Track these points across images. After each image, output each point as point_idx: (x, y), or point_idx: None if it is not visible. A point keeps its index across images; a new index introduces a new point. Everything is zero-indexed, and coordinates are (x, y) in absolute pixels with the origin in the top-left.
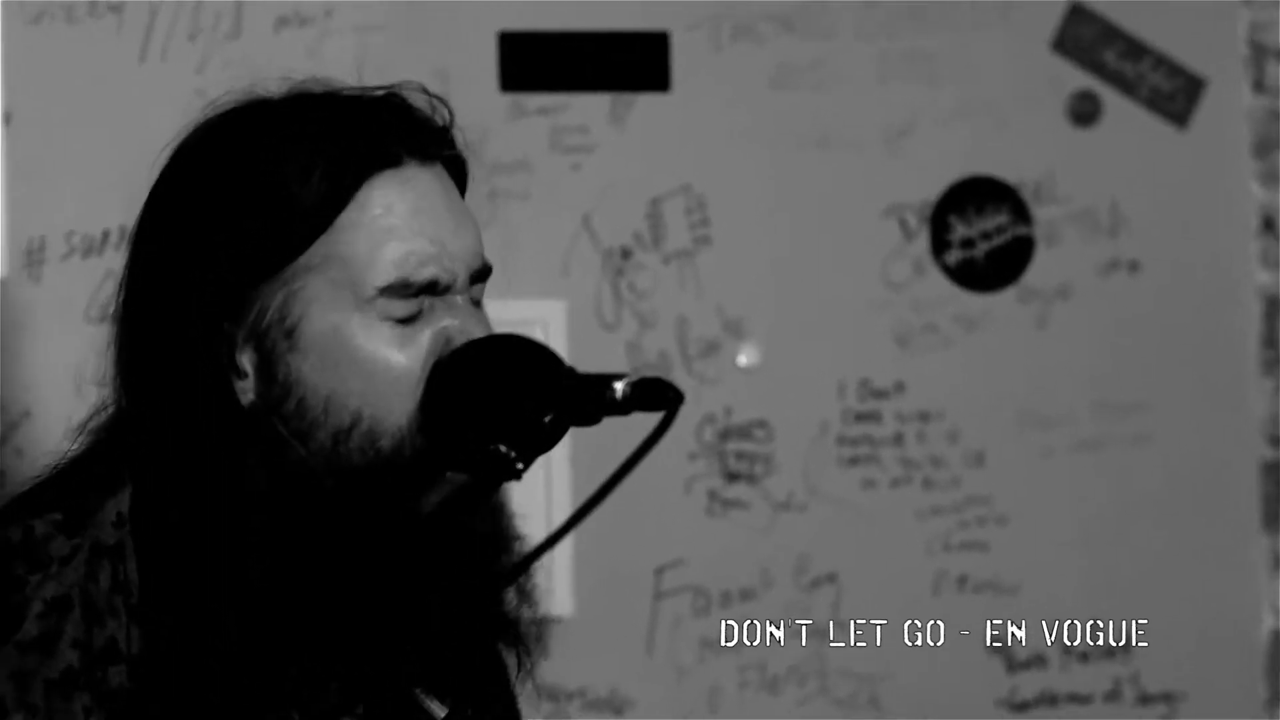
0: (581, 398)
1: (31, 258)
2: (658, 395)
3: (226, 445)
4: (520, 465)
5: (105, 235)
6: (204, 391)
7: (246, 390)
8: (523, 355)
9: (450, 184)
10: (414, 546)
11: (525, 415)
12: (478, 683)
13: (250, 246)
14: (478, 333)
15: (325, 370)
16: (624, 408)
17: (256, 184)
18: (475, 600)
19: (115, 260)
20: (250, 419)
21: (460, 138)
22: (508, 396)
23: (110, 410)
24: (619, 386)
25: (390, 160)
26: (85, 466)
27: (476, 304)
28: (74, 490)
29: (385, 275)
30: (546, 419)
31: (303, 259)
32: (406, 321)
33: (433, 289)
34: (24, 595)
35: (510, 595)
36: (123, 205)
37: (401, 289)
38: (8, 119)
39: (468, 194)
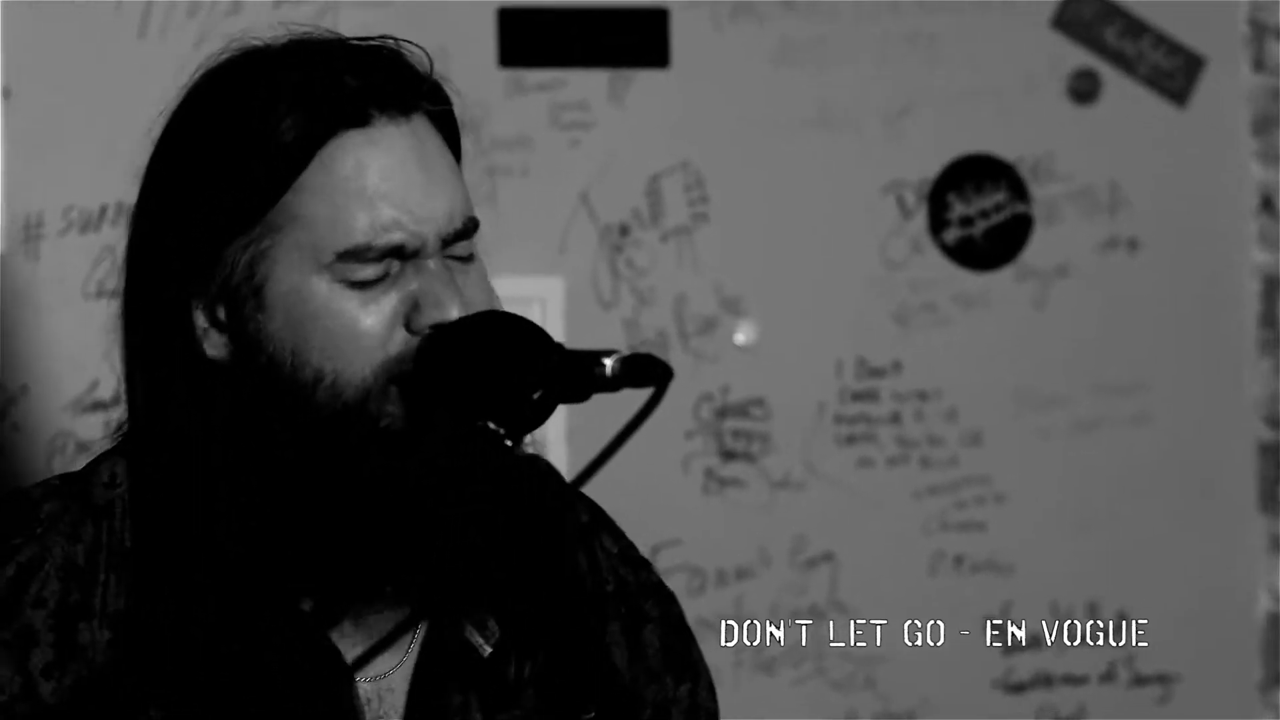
0: (570, 375)
1: (30, 233)
2: (647, 371)
3: (194, 399)
4: (509, 442)
5: (103, 211)
6: (173, 346)
7: (219, 346)
8: (511, 332)
9: (430, 140)
10: (398, 491)
11: (514, 392)
12: (530, 619)
13: (218, 203)
14: (446, 296)
15: (290, 328)
16: (613, 384)
17: (227, 140)
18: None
19: (113, 236)
20: (220, 373)
21: (450, 91)
22: (496, 374)
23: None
24: (608, 363)
25: (359, 118)
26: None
27: (465, 260)
28: (84, 465)
29: (345, 240)
30: (535, 396)
31: (269, 217)
32: (370, 285)
33: (398, 254)
34: (4, 560)
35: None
36: (121, 181)
37: (361, 254)
38: (7, 94)
39: (466, 164)
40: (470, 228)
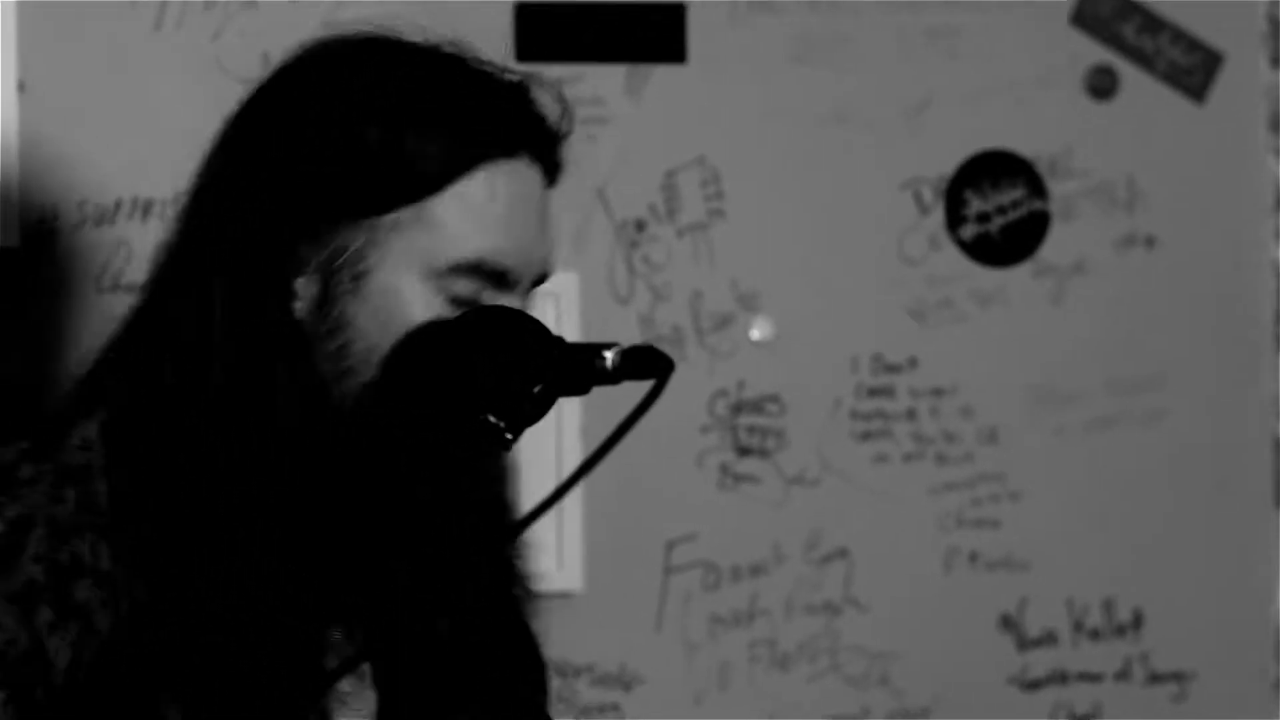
0: (571, 368)
1: (44, 227)
2: (648, 363)
3: (271, 349)
4: (510, 436)
5: (118, 205)
6: (263, 297)
7: (305, 306)
8: (512, 326)
9: (545, 186)
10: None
11: (514, 386)
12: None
13: (351, 185)
14: None
15: (376, 323)
16: (614, 377)
17: (376, 124)
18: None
19: (128, 229)
20: (297, 334)
21: (569, 151)
22: (497, 367)
23: (95, 355)
24: (608, 356)
25: (509, 149)
26: (61, 406)
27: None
28: (45, 423)
29: (464, 253)
30: (536, 390)
31: (399, 211)
32: (462, 303)
33: (500, 280)
34: None
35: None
36: (137, 175)
37: (473, 270)
38: (21, 88)
39: None
40: (547, 278)
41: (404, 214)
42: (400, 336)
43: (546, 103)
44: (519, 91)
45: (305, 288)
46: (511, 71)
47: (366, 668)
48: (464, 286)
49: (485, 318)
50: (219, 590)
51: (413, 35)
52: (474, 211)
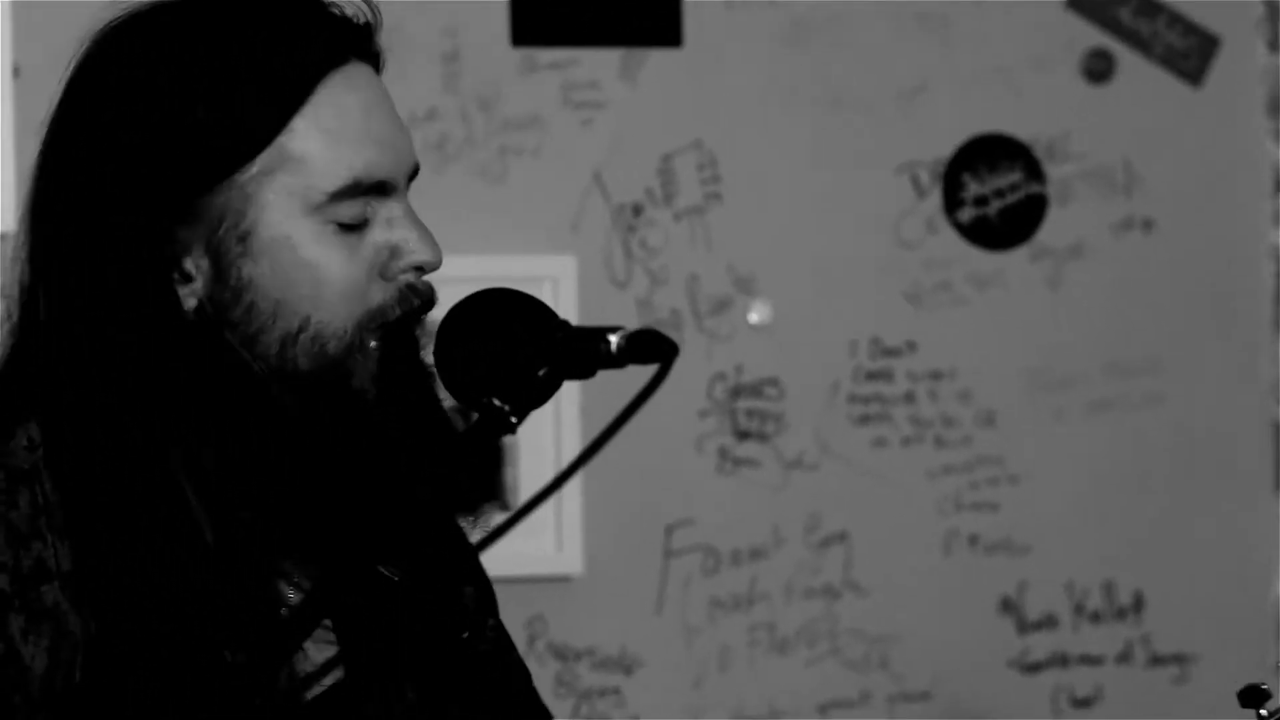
0: (575, 351)
1: None
2: (653, 348)
3: (168, 347)
4: (514, 419)
5: None
6: (147, 294)
7: (191, 294)
8: (516, 308)
9: (381, 81)
10: (366, 443)
11: (519, 369)
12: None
13: (201, 150)
14: (425, 245)
15: (275, 275)
16: (619, 361)
17: (207, 81)
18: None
19: None
20: (193, 322)
21: (381, 28)
22: (501, 350)
23: (10, 338)
24: (613, 339)
25: (339, 59)
26: None
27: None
28: None
29: (337, 179)
30: (540, 373)
31: (257, 161)
32: (353, 229)
33: (381, 190)
34: None
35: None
36: None
37: (351, 191)
38: (16, 73)
39: (478, 143)
40: (417, 169)
41: (263, 161)
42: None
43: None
44: (318, 6)
45: (197, 266)
46: None
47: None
48: (348, 210)
49: (489, 300)
50: (171, 571)
51: None
52: (330, 134)
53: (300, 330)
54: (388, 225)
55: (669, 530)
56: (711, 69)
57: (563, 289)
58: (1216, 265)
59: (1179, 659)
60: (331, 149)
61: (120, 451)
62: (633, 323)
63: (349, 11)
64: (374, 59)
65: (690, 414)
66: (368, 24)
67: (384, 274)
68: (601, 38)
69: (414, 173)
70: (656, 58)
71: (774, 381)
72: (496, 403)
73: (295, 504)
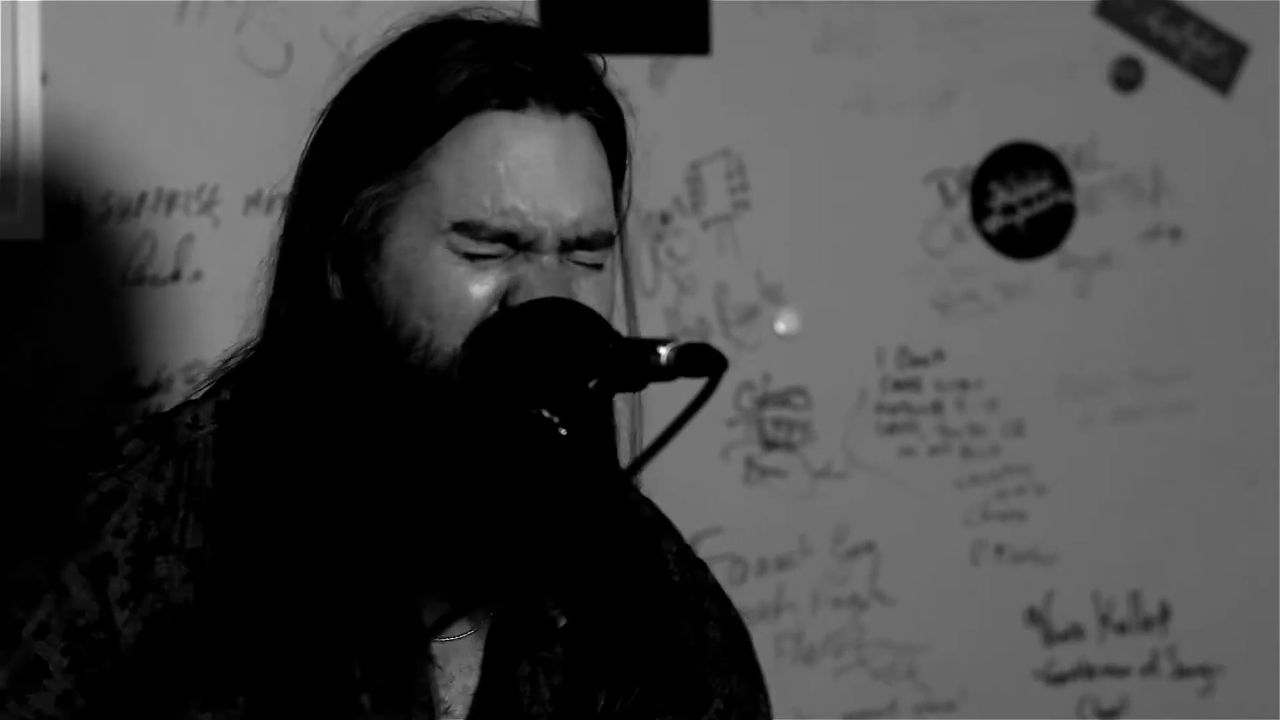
0: (626, 363)
1: (68, 220)
2: (702, 361)
3: (313, 336)
4: (563, 430)
5: (142, 197)
6: (306, 285)
7: (338, 289)
8: (568, 320)
9: (581, 143)
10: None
11: (569, 380)
12: (602, 600)
13: (362, 149)
14: (544, 289)
15: (399, 284)
16: (668, 374)
17: (383, 92)
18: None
19: (152, 221)
20: (337, 314)
21: (623, 103)
22: (552, 361)
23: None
24: (663, 352)
25: (513, 101)
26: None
27: (591, 267)
28: (180, 406)
29: (463, 213)
30: (591, 384)
31: (402, 174)
32: (479, 259)
33: (511, 241)
34: (85, 490)
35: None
36: (160, 167)
37: (475, 230)
38: (45, 80)
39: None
40: (599, 241)
41: (408, 173)
42: (425, 296)
43: (579, 54)
44: (535, 45)
45: (334, 262)
46: (539, 27)
47: (469, 632)
48: (475, 246)
49: (541, 311)
50: (306, 564)
51: (475, 13)
52: (471, 166)
53: (413, 340)
54: (524, 263)
55: (696, 539)
56: (740, 77)
57: None
58: (1245, 274)
59: (1205, 670)
60: (465, 183)
61: (282, 445)
62: (660, 332)
63: (572, 63)
64: (595, 121)
65: (717, 423)
66: (583, 82)
67: (504, 305)
68: (629, 46)
69: (587, 239)
70: (685, 65)
71: (801, 391)
72: (545, 414)
73: (446, 528)
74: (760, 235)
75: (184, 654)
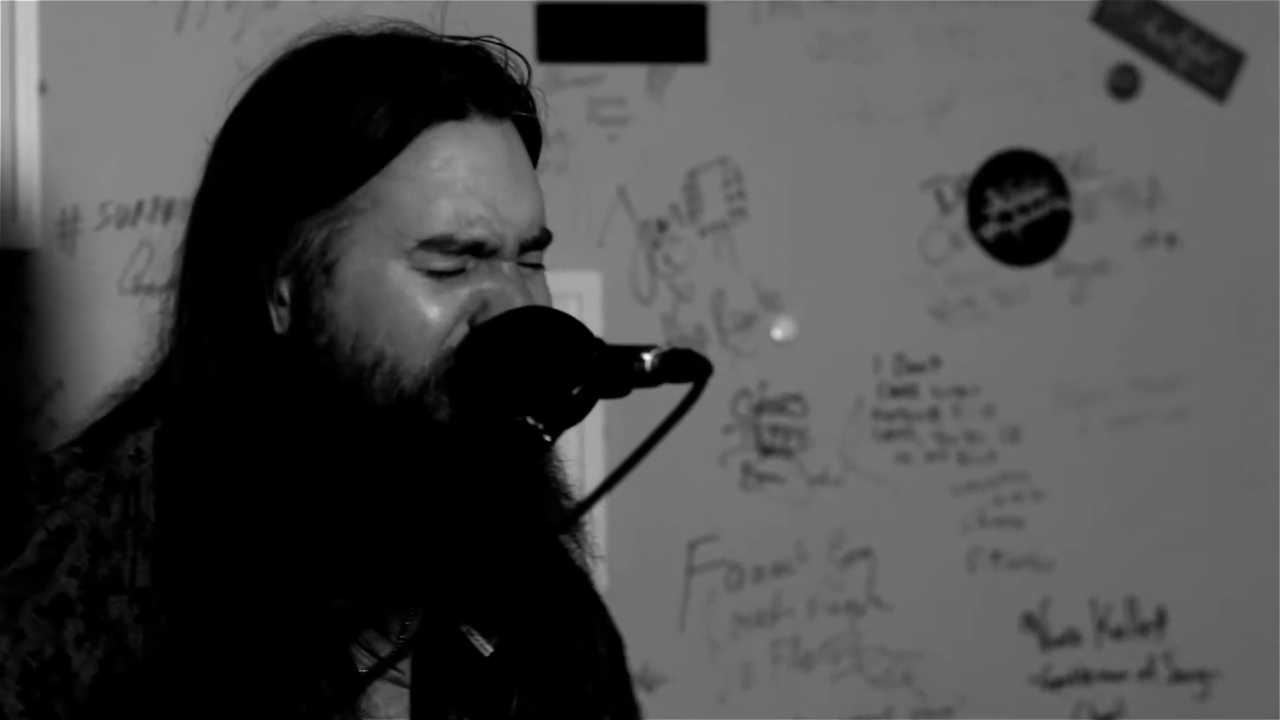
0: (610, 370)
1: (66, 228)
2: (686, 366)
3: (256, 370)
4: (548, 437)
5: (140, 206)
6: (241, 316)
7: (282, 319)
8: (551, 327)
9: (517, 145)
10: (443, 488)
11: (553, 387)
12: (527, 622)
13: (302, 178)
14: (517, 300)
15: (357, 310)
16: (653, 379)
17: (316, 117)
18: (513, 542)
19: (149, 231)
20: (281, 347)
21: (539, 98)
22: (536, 368)
23: (154, 359)
24: (647, 358)
25: (456, 111)
26: (117, 412)
27: (534, 267)
28: (99, 429)
29: (430, 229)
30: (574, 391)
31: (352, 198)
32: (444, 276)
33: (478, 250)
34: (31, 525)
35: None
36: (158, 176)
37: (443, 244)
38: (43, 89)
39: None
40: (545, 239)
41: (360, 197)
42: (386, 319)
43: (498, 60)
44: (463, 54)
45: (285, 288)
46: (461, 38)
47: (402, 672)
48: (441, 261)
49: (524, 319)
50: (252, 597)
51: (366, 26)
52: (430, 182)
53: (376, 365)
54: (486, 276)
55: (692, 546)
56: (737, 85)
57: (587, 305)
58: (1241, 281)
59: (1201, 675)
60: (428, 199)
61: (222, 477)
62: (657, 340)
63: (497, 69)
64: (520, 123)
65: (714, 430)
66: (512, 87)
67: (472, 323)
68: (627, 54)
69: (537, 239)
70: (682, 73)
71: (798, 397)
72: (530, 421)
73: (382, 557)
74: (757, 243)
75: (137, 700)
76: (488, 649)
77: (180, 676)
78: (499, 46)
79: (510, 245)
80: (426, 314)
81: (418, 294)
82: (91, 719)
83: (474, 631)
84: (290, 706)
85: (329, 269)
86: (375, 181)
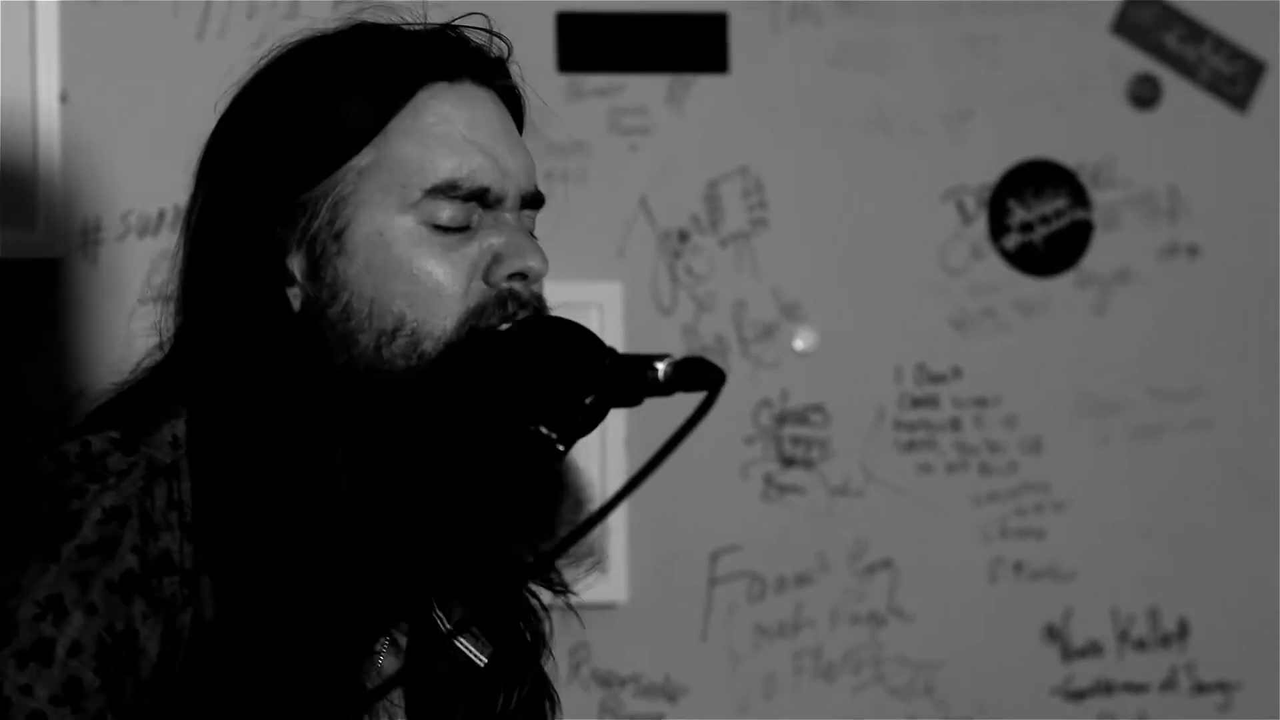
0: (623, 379)
1: (88, 238)
2: (700, 375)
3: (278, 350)
4: (561, 447)
5: (161, 215)
6: (257, 298)
7: (296, 296)
8: (564, 337)
9: (506, 112)
10: (455, 493)
11: (566, 397)
12: (515, 635)
13: (299, 152)
14: (528, 250)
15: (371, 274)
16: (666, 388)
17: (308, 97)
18: (517, 558)
19: (171, 240)
20: (300, 323)
21: (516, 71)
22: (548, 377)
23: (167, 344)
24: (660, 367)
25: (447, 73)
26: (140, 395)
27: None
28: (130, 414)
29: (434, 177)
30: (587, 400)
31: (353, 162)
32: (453, 231)
33: (483, 198)
34: (83, 502)
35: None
36: (179, 185)
37: (449, 190)
38: (64, 98)
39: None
40: (541, 199)
41: (361, 159)
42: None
43: (479, 38)
44: (444, 30)
45: (296, 265)
46: (439, 25)
47: (400, 695)
48: (447, 212)
49: (538, 327)
50: (278, 594)
51: (335, 23)
52: (430, 135)
53: (396, 329)
54: (493, 231)
55: (714, 557)
56: (758, 95)
57: (608, 315)
58: (1262, 291)
59: (1223, 686)
60: (430, 150)
61: (256, 464)
62: (678, 349)
63: (478, 44)
64: (504, 94)
65: (735, 440)
66: (497, 58)
67: (487, 278)
68: (648, 64)
69: (535, 199)
70: (703, 84)
71: (819, 408)
72: (544, 430)
73: (390, 556)
74: (778, 253)
75: (187, 682)
76: (482, 660)
77: (217, 663)
78: (483, 31)
79: (513, 196)
80: (439, 276)
81: (428, 256)
82: (153, 695)
83: (467, 643)
84: (318, 704)
85: (339, 235)
86: (377, 142)
